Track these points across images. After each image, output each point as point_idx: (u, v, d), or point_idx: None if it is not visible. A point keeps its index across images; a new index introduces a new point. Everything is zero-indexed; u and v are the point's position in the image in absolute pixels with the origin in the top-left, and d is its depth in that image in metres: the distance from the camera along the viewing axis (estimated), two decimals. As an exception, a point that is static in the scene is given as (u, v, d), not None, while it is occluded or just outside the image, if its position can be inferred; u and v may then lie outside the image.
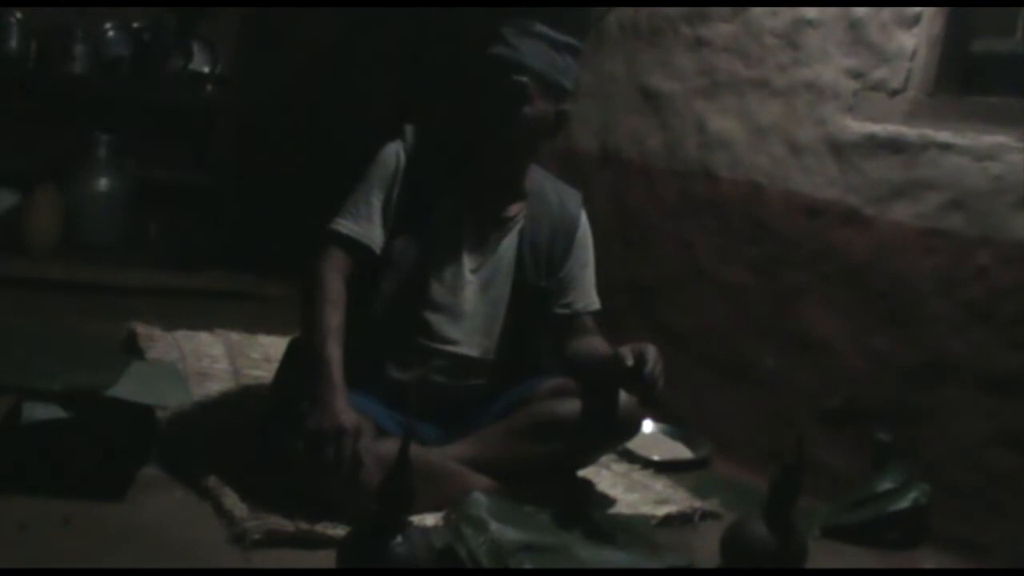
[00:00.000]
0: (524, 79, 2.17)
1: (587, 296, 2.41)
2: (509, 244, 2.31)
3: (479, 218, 2.29)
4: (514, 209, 2.32)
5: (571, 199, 2.41)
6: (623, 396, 2.22)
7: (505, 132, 2.21)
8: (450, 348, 2.25)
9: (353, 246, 2.19)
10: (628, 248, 3.30)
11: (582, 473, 2.41)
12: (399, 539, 1.73)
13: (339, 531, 1.91)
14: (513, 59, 2.17)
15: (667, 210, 3.22)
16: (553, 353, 2.38)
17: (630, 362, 2.08)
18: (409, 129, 2.29)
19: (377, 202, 2.22)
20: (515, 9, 2.31)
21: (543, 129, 2.25)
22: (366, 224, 2.21)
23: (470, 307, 2.27)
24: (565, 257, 2.36)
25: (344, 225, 2.21)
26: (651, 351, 2.10)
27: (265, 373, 2.77)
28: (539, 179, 2.38)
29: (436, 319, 2.25)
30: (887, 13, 2.65)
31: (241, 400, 2.63)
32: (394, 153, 2.26)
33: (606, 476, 2.51)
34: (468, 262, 2.28)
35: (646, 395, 2.12)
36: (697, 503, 2.43)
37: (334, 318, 2.10)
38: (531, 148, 2.29)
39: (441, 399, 2.23)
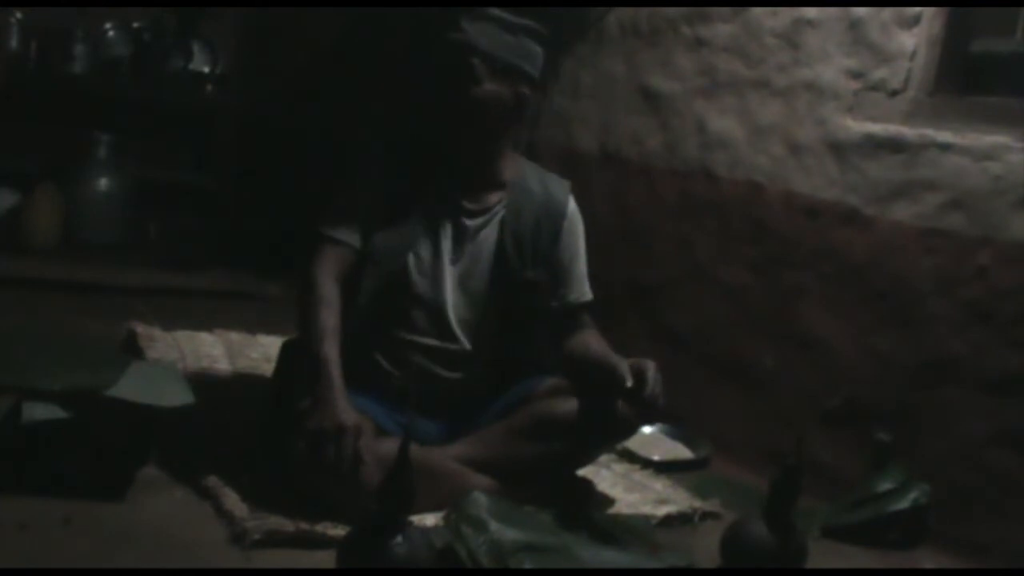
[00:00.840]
0: (472, 60, 2.19)
1: (579, 287, 2.39)
2: (489, 234, 2.31)
3: (456, 209, 2.29)
4: (493, 199, 2.32)
5: (557, 188, 2.40)
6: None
7: (458, 114, 2.22)
8: (433, 341, 2.26)
9: (341, 246, 2.21)
10: (628, 248, 3.30)
11: (582, 473, 2.41)
12: (399, 539, 1.73)
13: (339, 531, 1.91)
14: (460, 41, 2.20)
15: (667, 210, 3.22)
16: (549, 347, 2.38)
17: (630, 383, 2.09)
18: (391, 128, 2.31)
19: (362, 200, 2.24)
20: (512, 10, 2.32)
21: (500, 110, 2.24)
22: (351, 223, 2.22)
23: (451, 299, 2.27)
24: (552, 247, 2.35)
25: (330, 226, 2.22)
26: (651, 369, 2.10)
27: (265, 373, 2.77)
28: (521, 169, 2.37)
29: (419, 313, 2.26)
30: (887, 13, 2.65)
31: (241, 400, 2.63)
32: (376, 152, 2.30)
33: (606, 476, 2.51)
34: (447, 254, 2.28)
35: (645, 412, 2.13)
36: (697, 503, 2.43)
37: (330, 319, 2.11)
38: (493, 131, 2.28)
39: (433, 393, 2.23)
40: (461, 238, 2.29)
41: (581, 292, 2.40)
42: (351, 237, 2.22)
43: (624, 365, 2.11)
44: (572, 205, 2.40)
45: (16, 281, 3.42)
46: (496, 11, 2.23)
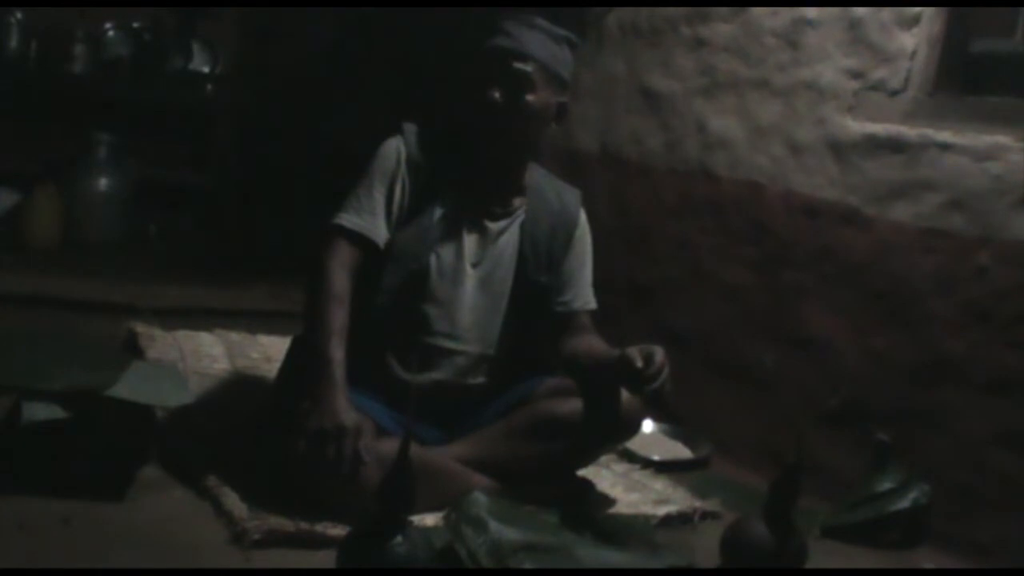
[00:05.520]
0: (529, 67, 2.19)
1: (584, 294, 2.41)
2: (510, 238, 2.31)
3: (480, 212, 2.29)
4: (515, 203, 2.33)
5: (570, 196, 2.42)
6: (623, 395, 2.22)
7: (511, 120, 2.21)
8: (450, 344, 2.25)
9: (357, 240, 2.19)
10: (628, 248, 3.30)
11: (582, 473, 2.41)
12: (399, 539, 1.73)
13: (339, 531, 1.91)
14: (517, 48, 2.20)
15: (667, 210, 3.22)
16: (550, 351, 2.38)
17: (640, 364, 2.07)
18: (408, 126, 2.30)
19: (380, 196, 2.22)
20: (515, 9, 2.32)
21: (546, 118, 2.26)
22: (369, 218, 2.20)
23: (470, 301, 2.27)
24: (564, 253, 2.37)
25: (347, 219, 2.20)
26: (659, 353, 2.09)
27: (265, 373, 2.77)
28: (538, 176, 2.39)
29: (436, 314, 2.25)
30: (887, 13, 2.65)
31: (241, 400, 2.63)
32: (395, 148, 2.26)
33: (606, 476, 2.51)
34: (469, 256, 2.28)
35: (653, 398, 2.12)
36: (697, 503, 2.43)
37: (338, 317, 2.10)
38: (534, 138, 2.30)
39: (442, 397, 2.23)
40: (483, 241, 2.29)
41: (586, 299, 2.41)
42: (369, 231, 2.19)
43: (632, 350, 2.11)
44: (583, 215, 2.42)
45: (16, 282, 3.42)
46: (541, 20, 2.24)
